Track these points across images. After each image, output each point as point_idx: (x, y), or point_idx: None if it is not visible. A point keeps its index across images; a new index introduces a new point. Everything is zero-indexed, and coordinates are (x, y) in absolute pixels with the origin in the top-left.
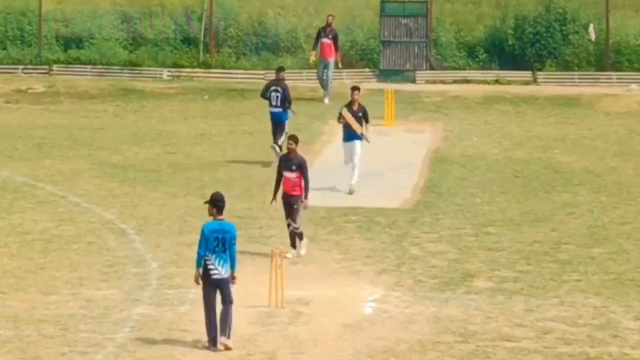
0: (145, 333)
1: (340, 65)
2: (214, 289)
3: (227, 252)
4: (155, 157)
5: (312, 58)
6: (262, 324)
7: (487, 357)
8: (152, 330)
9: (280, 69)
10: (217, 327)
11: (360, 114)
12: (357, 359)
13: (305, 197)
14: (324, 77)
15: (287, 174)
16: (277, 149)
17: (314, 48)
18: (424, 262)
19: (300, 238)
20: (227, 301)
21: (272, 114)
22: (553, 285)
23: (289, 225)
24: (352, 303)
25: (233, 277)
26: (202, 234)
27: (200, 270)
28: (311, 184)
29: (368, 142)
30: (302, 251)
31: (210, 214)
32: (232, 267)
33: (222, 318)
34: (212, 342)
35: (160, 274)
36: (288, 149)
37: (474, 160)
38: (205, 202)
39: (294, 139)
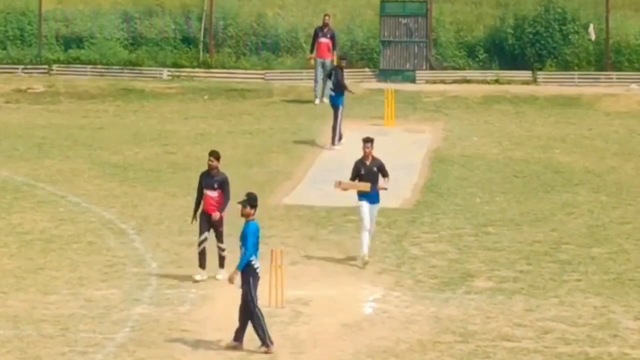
0: (145, 333)
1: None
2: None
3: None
4: (155, 157)
5: (311, 62)
6: None
7: (487, 357)
8: (152, 330)
9: (340, 57)
10: None
11: (376, 169)
12: (357, 359)
13: (222, 211)
14: (319, 77)
15: (208, 192)
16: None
17: (312, 50)
18: (424, 262)
19: (223, 264)
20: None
21: (329, 97)
22: (553, 285)
23: (200, 243)
24: (352, 303)
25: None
26: (255, 236)
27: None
28: (312, 184)
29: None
30: (220, 276)
31: (247, 214)
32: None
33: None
34: (271, 341)
35: (160, 274)
36: (209, 165)
37: (474, 160)
38: (239, 203)
39: (214, 155)
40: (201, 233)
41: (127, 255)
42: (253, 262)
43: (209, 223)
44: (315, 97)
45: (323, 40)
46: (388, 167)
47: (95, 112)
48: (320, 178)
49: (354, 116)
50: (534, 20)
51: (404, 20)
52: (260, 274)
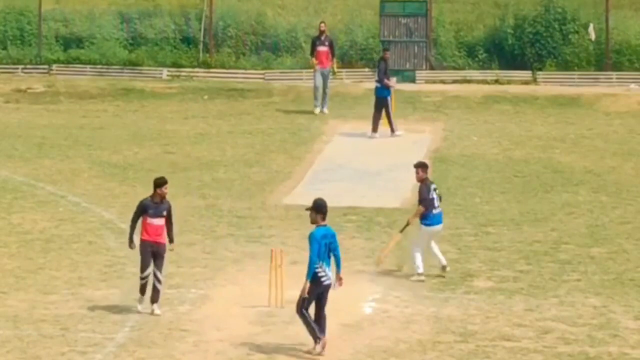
0: (145, 333)
1: (334, 72)
2: (316, 295)
3: (330, 257)
4: (155, 157)
5: (315, 67)
6: (262, 324)
7: (487, 357)
8: (152, 330)
9: (384, 49)
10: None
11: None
12: (357, 359)
13: (172, 241)
14: (319, 86)
15: (155, 220)
16: (396, 133)
17: (312, 55)
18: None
19: (157, 297)
20: (325, 305)
21: (375, 89)
22: (553, 285)
23: (145, 277)
24: (352, 303)
25: (340, 279)
26: (316, 242)
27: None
28: (312, 184)
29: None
30: (157, 311)
31: (314, 222)
32: (339, 269)
33: (323, 321)
34: (323, 333)
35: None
36: (161, 194)
37: (473, 160)
38: (307, 209)
39: (166, 182)
40: (146, 267)
41: (126, 255)
42: (318, 271)
43: (155, 253)
44: (315, 106)
45: (322, 48)
46: (388, 167)
47: (95, 112)
48: (320, 178)
49: (354, 116)
50: (534, 20)
51: (404, 20)
52: (326, 282)
